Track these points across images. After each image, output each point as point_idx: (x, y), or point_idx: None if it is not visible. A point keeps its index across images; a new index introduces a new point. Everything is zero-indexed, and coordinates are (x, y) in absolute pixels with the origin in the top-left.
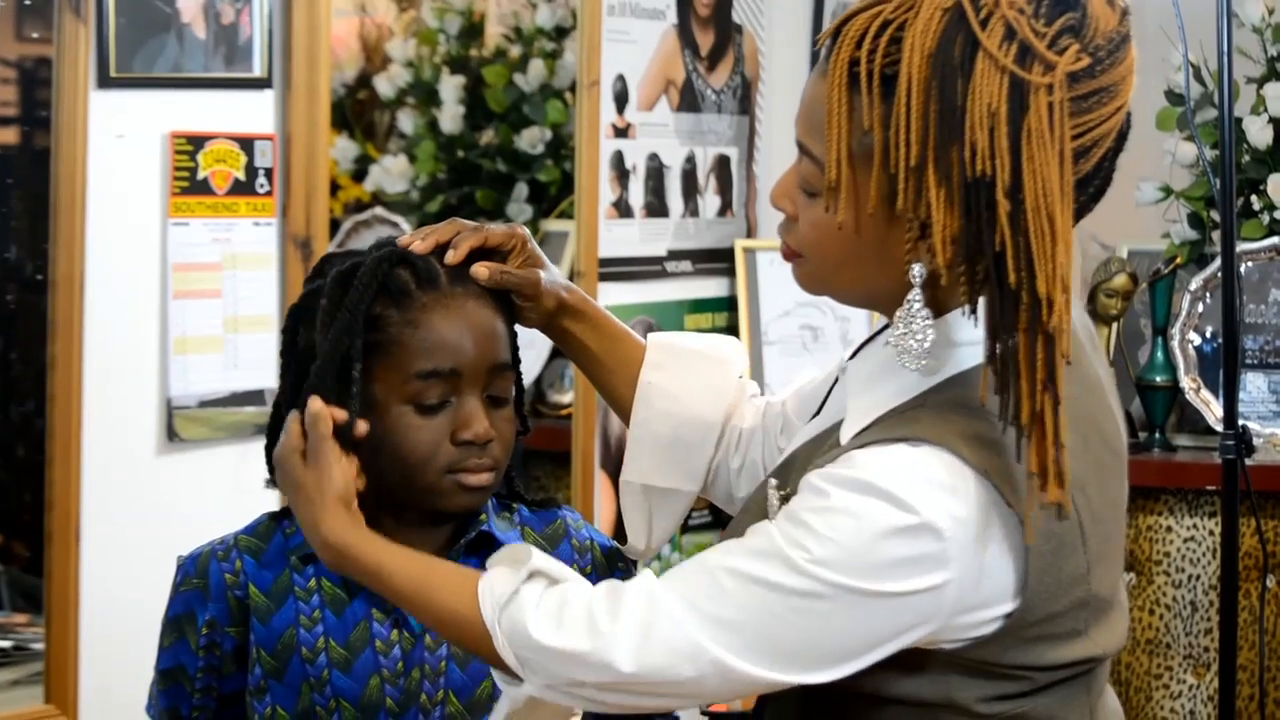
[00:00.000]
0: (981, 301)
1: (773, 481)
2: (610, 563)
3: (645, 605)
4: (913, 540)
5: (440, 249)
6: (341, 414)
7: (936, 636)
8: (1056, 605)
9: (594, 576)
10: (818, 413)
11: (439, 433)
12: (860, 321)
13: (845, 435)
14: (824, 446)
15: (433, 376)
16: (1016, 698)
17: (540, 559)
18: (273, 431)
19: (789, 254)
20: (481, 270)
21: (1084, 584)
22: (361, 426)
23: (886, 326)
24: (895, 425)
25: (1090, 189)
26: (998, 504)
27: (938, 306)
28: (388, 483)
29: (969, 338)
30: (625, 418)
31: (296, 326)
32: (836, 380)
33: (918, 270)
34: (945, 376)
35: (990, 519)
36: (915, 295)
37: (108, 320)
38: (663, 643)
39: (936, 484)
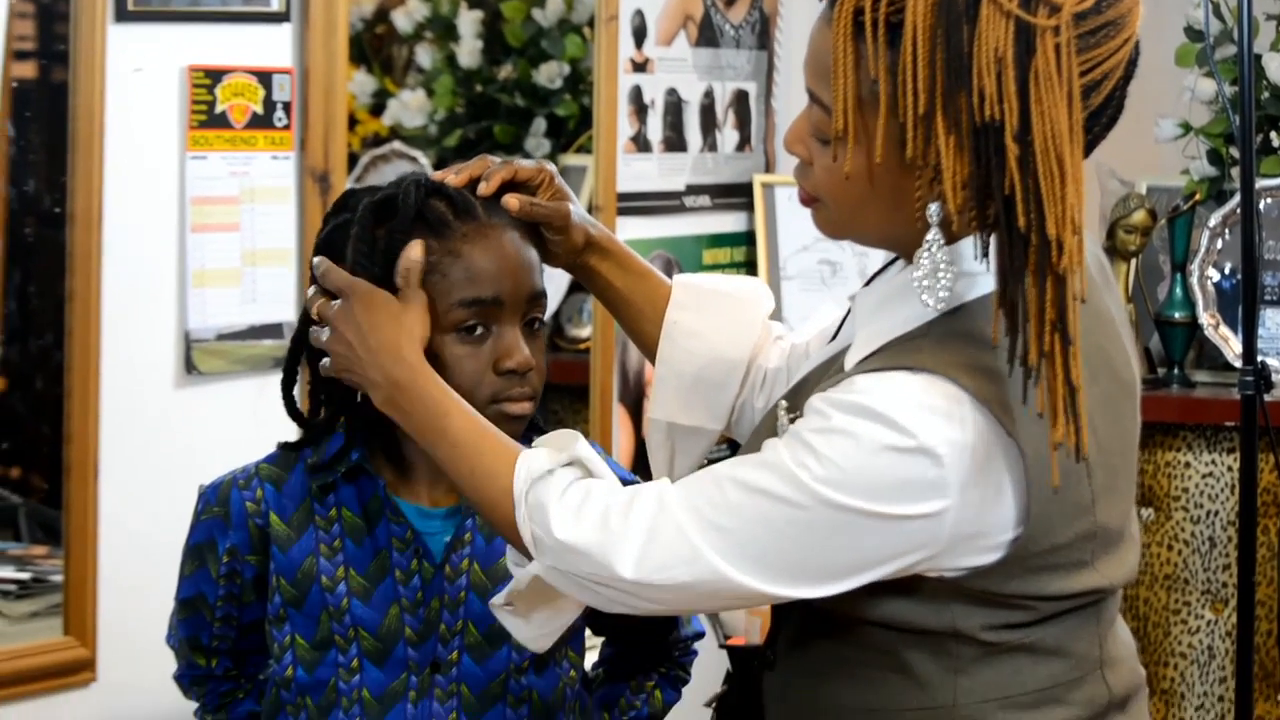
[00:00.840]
0: (992, 244)
1: (783, 404)
2: None
3: (654, 509)
4: (910, 463)
5: (471, 184)
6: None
7: (936, 564)
8: (1060, 537)
9: None
10: (831, 341)
11: (482, 363)
12: (879, 257)
13: (850, 361)
14: (830, 371)
15: (476, 305)
16: (1021, 627)
17: (584, 447)
18: (290, 366)
19: (806, 199)
20: (512, 201)
21: (1089, 515)
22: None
23: (897, 258)
24: (898, 354)
25: (1103, 119)
26: (998, 434)
27: (948, 237)
28: None
29: (975, 268)
30: (650, 356)
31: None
32: (850, 311)
33: (934, 210)
34: (950, 307)
35: (991, 448)
36: (934, 235)
37: (126, 254)
38: (664, 545)
39: (934, 410)
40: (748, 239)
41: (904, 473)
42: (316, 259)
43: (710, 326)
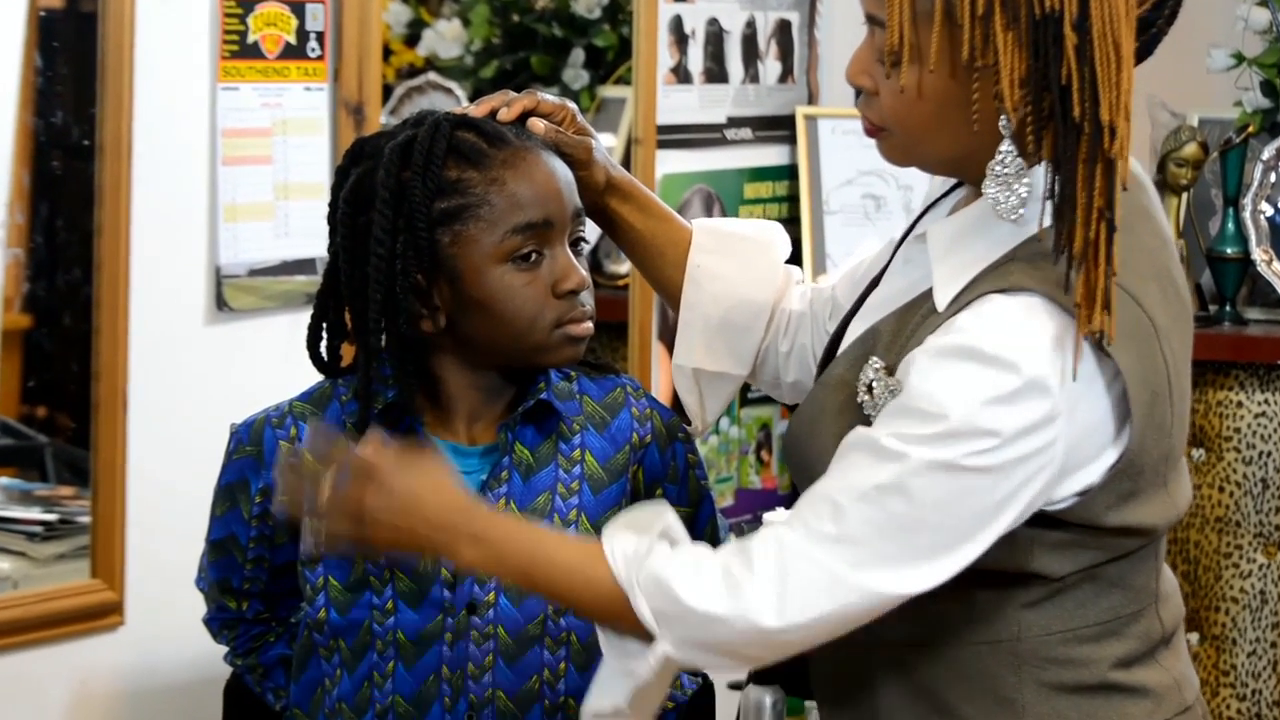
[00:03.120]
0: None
1: (875, 361)
2: (670, 433)
3: (775, 550)
4: (1022, 402)
5: (491, 116)
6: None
7: (1048, 495)
8: (1149, 457)
9: (654, 447)
10: (872, 286)
11: (541, 288)
12: (924, 190)
13: (941, 301)
14: (915, 316)
15: (528, 229)
16: (1092, 567)
17: (672, 517)
18: (316, 321)
19: (872, 130)
20: (537, 124)
21: (1168, 437)
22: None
23: (948, 193)
24: (990, 280)
25: (1151, 29)
26: (1095, 351)
27: (1025, 159)
28: (488, 346)
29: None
30: (671, 301)
31: (354, 213)
32: (894, 255)
33: (1005, 122)
34: (1033, 231)
35: (1090, 366)
36: (1007, 147)
37: (156, 187)
38: (800, 583)
39: (1036, 335)
40: (790, 173)
41: (1017, 413)
42: (287, 453)
43: (734, 269)
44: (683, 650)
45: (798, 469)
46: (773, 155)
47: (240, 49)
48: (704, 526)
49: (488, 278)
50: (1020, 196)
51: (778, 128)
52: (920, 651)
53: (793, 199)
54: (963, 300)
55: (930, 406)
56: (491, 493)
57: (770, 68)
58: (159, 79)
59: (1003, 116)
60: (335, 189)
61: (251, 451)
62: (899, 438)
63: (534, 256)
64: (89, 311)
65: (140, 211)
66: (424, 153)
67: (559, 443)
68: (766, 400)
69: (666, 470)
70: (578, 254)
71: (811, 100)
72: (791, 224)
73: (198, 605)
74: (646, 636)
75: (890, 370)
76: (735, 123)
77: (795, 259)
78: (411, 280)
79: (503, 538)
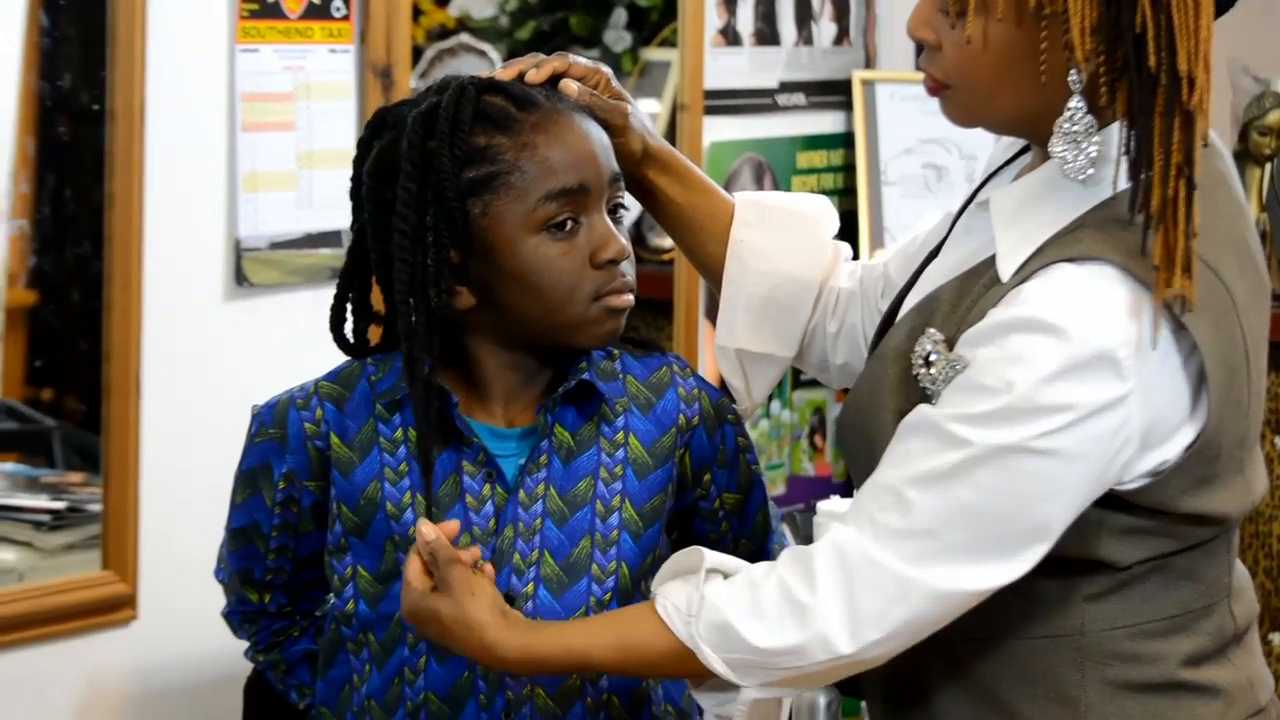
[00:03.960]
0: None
1: (933, 333)
2: (719, 415)
3: (836, 562)
4: (1092, 377)
5: (520, 80)
6: (453, 527)
7: (1121, 476)
8: (1226, 438)
9: (701, 429)
10: (930, 258)
11: (579, 259)
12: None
13: (1005, 270)
14: (977, 285)
15: (562, 196)
16: (1161, 558)
17: (712, 557)
18: (340, 299)
19: (935, 88)
20: (570, 86)
21: (1245, 418)
22: (472, 553)
23: (1011, 160)
24: (1058, 248)
25: None
26: (1170, 324)
27: (1097, 116)
28: (523, 321)
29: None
30: (712, 279)
31: (379, 187)
32: (953, 226)
33: (1075, 76)
34: (1105, 196)
35: (1165, 340)
36: (1076, 103)
37: (170, 155)
38: (869, 597)
39: (1106, 306)
40: (845, 141)
41: (1086, 388)
42: (419, 527)
43: (778, 245)
44: (768, 689)
45: (855, 449)
46: (827, 122)
47: (260, 8)
48: (755, 514)
49: (522, 249)
50: (1089, 156)
51: (833, 93)
52: (977, 647)
53: (848, 169)
54: (1029, 269)
55: (994, 382)
56: (530, 477)
57: (825, 29)
58: (174, 40)
59: (1073, 70)
60: (357, 162)
61: (274, 435)
62: (963, 420)
63: (570, 225)
64: (99, 287)
65: (154, 181)
66: (449, 120)
67: (601, 425)
68: (820, 383)
69: (715, 454)
70: (616, 221)
71: (869, 64)
72: (847, 195)
73: (216, 598)
74: (716, 680)
75: (950, 343)
76: (788, 87)
77: (851, 233)
78: (444, 256)
79: (585, 644)
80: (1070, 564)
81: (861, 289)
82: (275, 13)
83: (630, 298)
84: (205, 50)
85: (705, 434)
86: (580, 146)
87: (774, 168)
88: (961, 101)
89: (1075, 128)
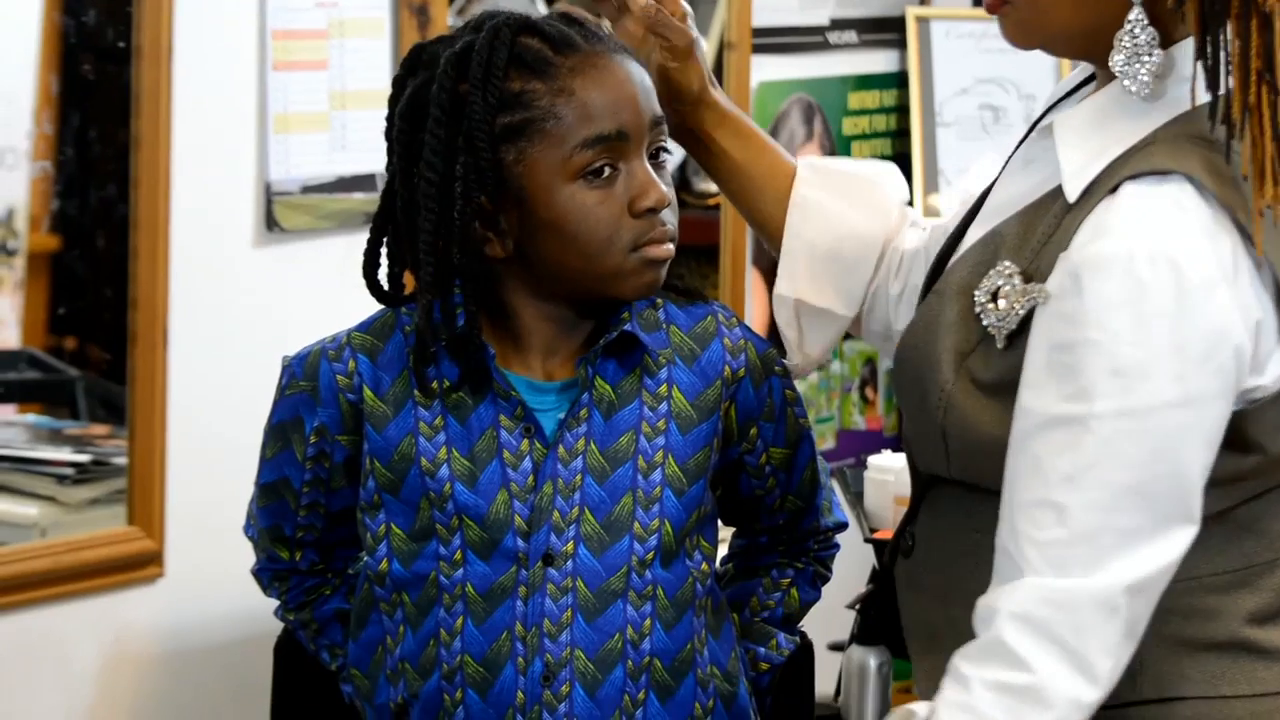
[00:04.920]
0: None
1: (1004, 266)
2: (766, 366)
3: (1026, 627)
4: (1200, 303)
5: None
6: None
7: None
8: None
9: (748, 381)
10: (985, 196)
11: (617, 207)
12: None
13: (1073, 191)
14: (1046, 215)
15: (599, 143)
16: (1223, 512)
17: (921, 710)
18: (374, 243)
19: (995, 6)
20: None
21: None
22: None
23: (1071, 94)
24: (1129, 165)
25: None
26: (1247, 247)
27: (1164, 37)
28: (560, 272)
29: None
30: (769, 237)
31: (411, 130)
32: (1009, 160)
33: None
34: (1176, 113)
35: (1241, 261)
36: (1137, 14)
37: (199, 94)
38: (1078, 635)
39: (1195, 226)
40: (899, 80)
41: (1198, 319)
42: None
43: (842, 204)
44: None
45: (907, 388)
46: (880, 61)
47: None
48: (803, 469)
49: (557, 197)
50: (1150, 71)
51: (886, 30)
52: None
53: (902, 109)
54: (1099, 190)
55: (1097, 335)
56: (570, 432)
57: None
58: None
59: None
60: (392, 102)
61: (306, 387)
62: (1079, 396)
63: (607, 171)
64: (125, 232)
65: (181, 122)
66: (483, 63)
67: (644, 377)
68: None
69: (762, 407)
70: (659, 167)
71: None
72: (900, 137)
73: (245, 555)
74: None
75: (1026, 276)
76: (839, 24)
77: (905, 176)
78: (474, 205)
79: None
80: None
81: (926, 250)
82: None
83: (670, 248)
84: None
85: (751, 386)
86: (619, 90)
87: (824, 109)
88: (1021, 17)
89: (1136, 40)
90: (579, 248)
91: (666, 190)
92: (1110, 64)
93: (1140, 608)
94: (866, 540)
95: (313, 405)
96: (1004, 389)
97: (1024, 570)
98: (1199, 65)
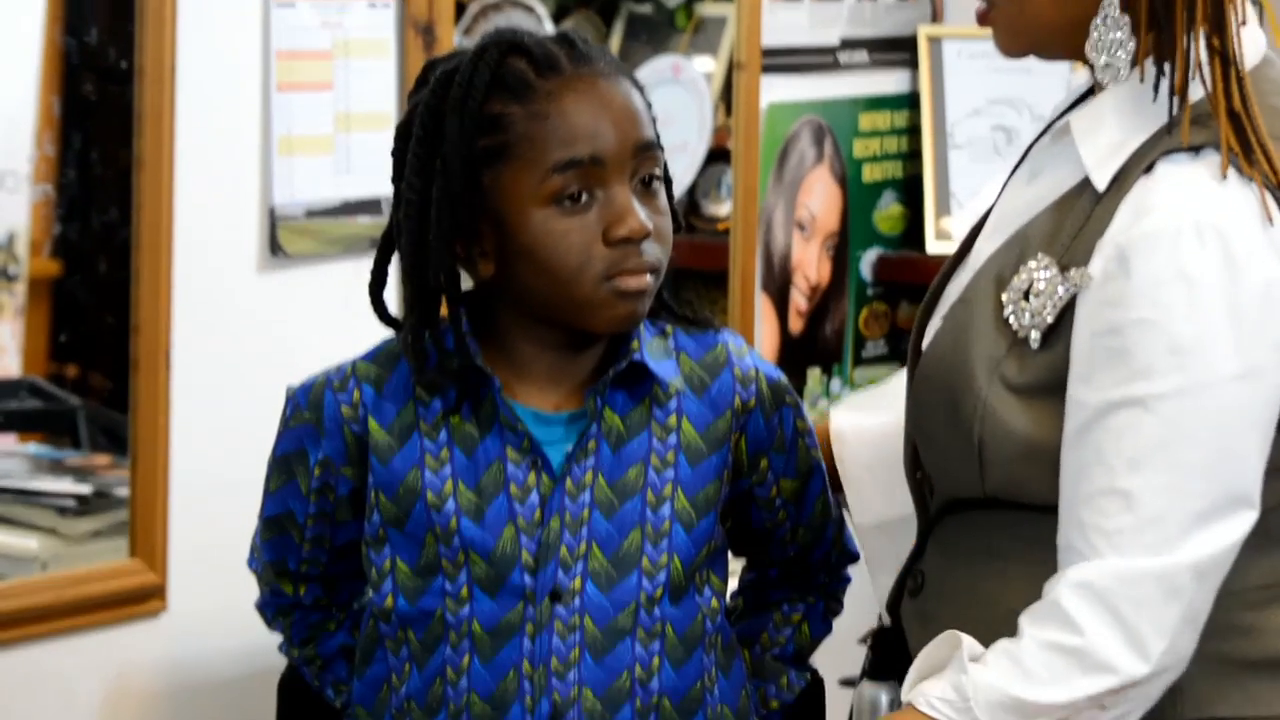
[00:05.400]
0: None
1: (1036, 261)
2: (777, 396)
3: (1086, 593)
4: (1254, 270)
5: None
6: None
7: None
8: None
9: (758, 412)
10: (988, 213)
11: (589, 234)
12: None
13: (1101, 179)
14: (1075, 207)
15: (571, 168)
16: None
17: (962, 637)
18: (380, 263)
19: (984, 14)
20: None
21: None
22: None
23: (1079, 101)
24: (1156, 146)
25: None
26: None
27: (1138, 24)
28: (536, 300)
29: None
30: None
31: (403, 149)
32: (1012, 174)
33: None
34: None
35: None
36: (1109, 4)
37: (202, 116)
38: (1135, 608)
39: (1234, 197)
40: (910, 101)
41: (1247, 288)
42: None
43: (874, 414)
44: None
45: (932, 403)
46: (891, 82)
47: None
48: (814, 501)
49: (530, 222)
50: (1124, 58)
51: (897, 50)
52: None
53: (913, 131)
54: (1131, 174)
55: (1151, 314)
56: (578, 465)
57: None
58: None
59: None
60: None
61: (310, 418)
62: (1138, 377)
63: (583, 198)
64: (127, 257)
65: (185, 144)
66: (463, 85)
67: (653, 408)
68: (882, 359)
69: (772, 438)
70: (648, 195)
71: (935, 19)
72: (912, 159)
73: (249, 589)
74: None
75: (1063, 267)
76: (849, 45)
77: (916, 199)
78: (445, 228)
79: None
80: None
81: None
82: None
83: (648, 279)
84: (239, 4)
85: (762, 417)
86: (597, 114)
87: (835, 130)
88: (1006, 16)
89: (1111, 32)
90: (550, 275)
91: (646, 220)
92: (1086, 53)
93: (1203, 593)
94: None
95: (317, 437)
96: (1041, 391)
97: (1090, 558)
98: (1151, 39)
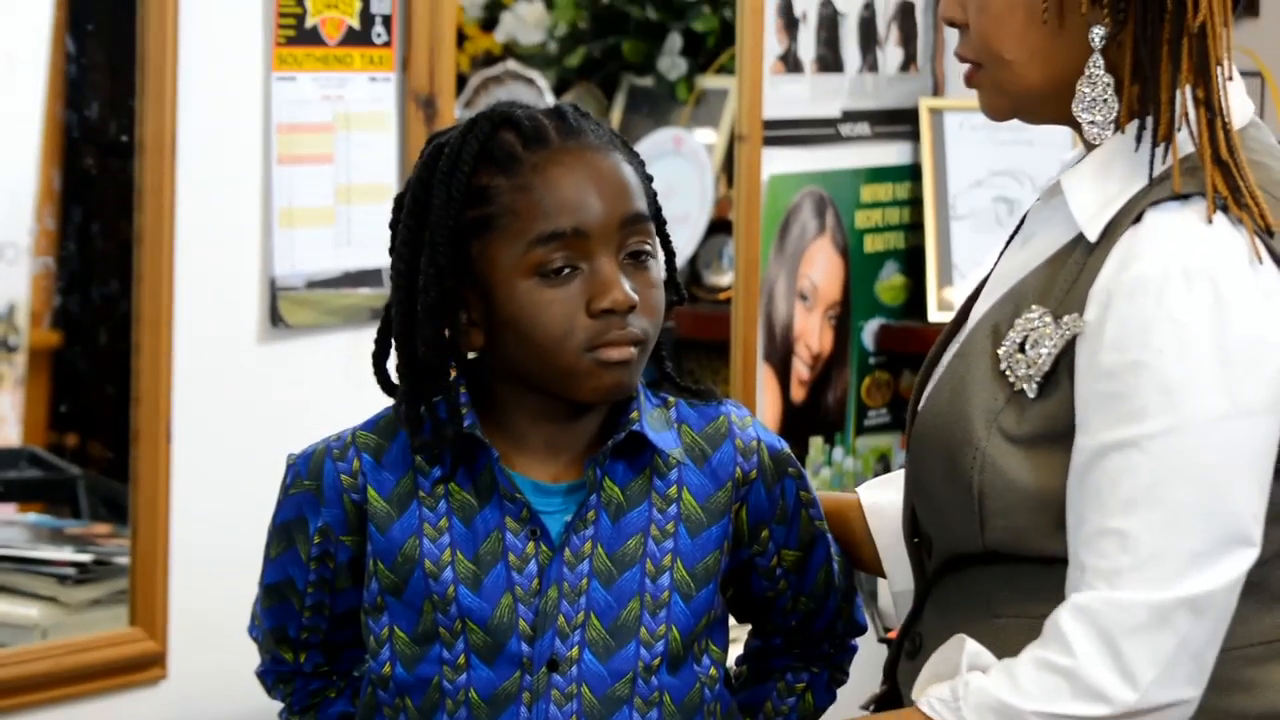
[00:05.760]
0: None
1: (1031, 313)
2: (779, 467)
3: (1083, 616)
4: (1243, 313)
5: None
6: None
7: None
8: None
9: (759, 484)
10: (985, 280)
11: (572, 305)
12: None
13: (1094, 230)
14: (1069, 261)
15: (553, 240)
16: (1253, 575)
17: (971, 645)
18: (384, 334)
19: (970, 75)
20: None
21: None
22: None
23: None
24: (1148, 196)
25: None
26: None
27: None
28: (523, 370)
29: None
30: (869, 565)
31: (397, 220)
32: (1008, 244)
33: (1098, 33)
34: (1181, 151)
35: (1271, 271)
36: (1095, 60)
37: (203, 188)
38: (1128, 636)
39: (1226, 242)
40: (912, 173)
41: (1245, 327)
42: None
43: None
44: None
45: (930, 458)
46: (893, 153)
47: (297, 34)
48: (816, 571)
49: (514, 293)
50: (1108, 116)
51: (899, 122)
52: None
53: (915, 203)
54: (1121, 224)
55: (1141, 356)
56: (577, 535)
57: (891, 54)
58: (207, 67)
59: (1095, 28)
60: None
61: (310, 486)
62: (1131, 419)
63: (566, 270)
64: (127, 328)
65: (185, 216)
66: (452, 158)
67: (653, 478)
68: (885, 428)
69: (774, 509)
70: (638, 267)
71: (937, 91)
72: (913, 231)
73: (249, 657)
74: None
75: (1057, 316)
76: (851, 117)
77: (918, 270)
78: (433, 298)
79: None
80: None
81: None
82: (313, 39)
83: (630, 351)
84: (239, 78)
85: (764, 488)
86: (580, 190)
87: (836, 202)
88: (993, 79)
89: (1095, 85)
90: (534, 346)
91: (631, 292)
92: (1073, 110)
93: (1201, 629)
94: (881, 640)
95: (316, 505)
96: (1039, 441)
97: (1095, 587)
98: (1135, 92)
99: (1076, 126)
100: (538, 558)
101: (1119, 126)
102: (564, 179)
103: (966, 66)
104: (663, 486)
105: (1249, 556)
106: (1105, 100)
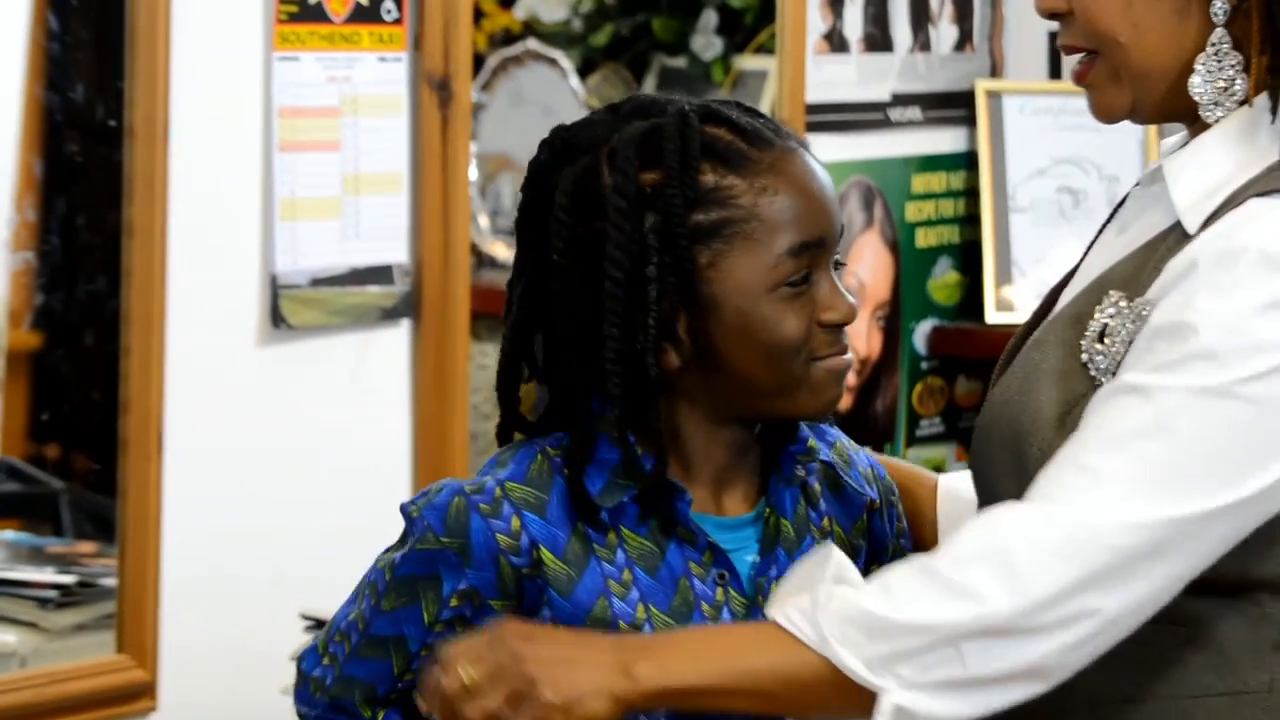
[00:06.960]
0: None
1: (1111, 298)
2: (887, 496)
3: (985, 522)
4: None
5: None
6: None
7: None
8: None
9: (879, 514)
10: (1073, 271)
11: (806, 317)
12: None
13: (1193, 223)
14: (1160, 249)
15: (805, 251)
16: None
17: (838, 555)
18: (512, 363)
19: (1084, 72)
20: None
21: None
22: None
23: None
24: (1254, 186)
25: None
26: None
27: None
28: (736, 389)
29: None
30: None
31: (576, 224)
32: (1098, 235)
33: (1220, 6)
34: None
35: None
36: (1219, 35)
37: (197, 177)
38: (1026, 545)
39: None
40: (968, 161)
41: None
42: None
43: None
44: (914, 693)
45: (996, 448)
46: (947, 140)
47: (301, 10)
48: None
49: (755, 305)
50: (1233, 95)
51: (953, 106)
52: (1134, 709)
53: (971, 193)
54: (1221, 215)
55: (1189, 317)
56: (766, 578)
57: (945, 32)
58: (202, 46)
59: (1217, 1)
60: (531, 186)
61: (451, 544)
62: (1151, 369)
63: (806, 281)
64: (115, 329)
65: (179, 208)
66: (678, 150)
67: (809, 510)
68: (938, 438)
69: (887, 542)
70: (840, 276)
71: (995, 72)
72: (969, 224)
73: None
74: (868, 704)
75: (1131, 299)
76: (901, 100)
77: (974, 267)
78: (666, 311)
79: (667, 643)
80: (1250, 594)
81: None
82: (318, 15)
83: (850, 358)
84: (237, 58)
85: (880, 518)
86: (820, 193)
87: (885, 193)
88: (1109, 67)
89: (1221, 66)
90: (766, 358)
91: (854, 304)
92: (1190, 89)
93: (1115, 564)
94: None
95: (460, 566)
96: None
97: (1027, 501)
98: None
99: (1194, 120)
100: (730, 605)
101: (1246, 101)
102: (805, 182)
103: (1076, 64)
104: (817, 518)
105: (1205, 502)
106: (1230, 76)
